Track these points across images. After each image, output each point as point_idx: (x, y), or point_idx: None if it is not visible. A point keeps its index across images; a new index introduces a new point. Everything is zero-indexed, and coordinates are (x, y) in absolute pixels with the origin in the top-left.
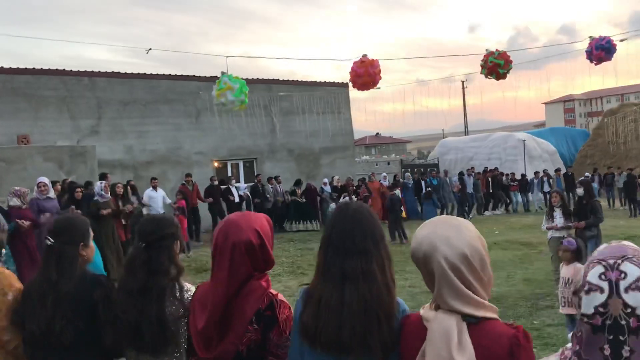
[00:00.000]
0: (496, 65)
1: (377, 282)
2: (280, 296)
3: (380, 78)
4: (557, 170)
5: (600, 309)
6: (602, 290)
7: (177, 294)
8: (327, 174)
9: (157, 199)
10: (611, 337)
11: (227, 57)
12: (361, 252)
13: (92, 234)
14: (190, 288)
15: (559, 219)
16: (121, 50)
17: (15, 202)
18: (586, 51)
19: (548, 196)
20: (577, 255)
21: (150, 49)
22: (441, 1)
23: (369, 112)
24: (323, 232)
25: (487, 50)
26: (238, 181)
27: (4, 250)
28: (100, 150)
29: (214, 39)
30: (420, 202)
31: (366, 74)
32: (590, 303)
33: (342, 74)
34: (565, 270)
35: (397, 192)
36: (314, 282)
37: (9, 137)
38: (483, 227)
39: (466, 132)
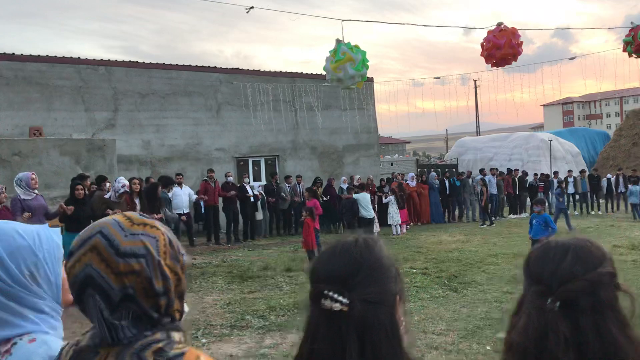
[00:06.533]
0: None
1: None
2: None
3: (522, 51)
4: (582, 171)
5: None
6: None
7: None
8: (351, 173)
9: (181, 197)
10: None
11: (343, 20)
12: None
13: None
14: None
15: None
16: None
17: None
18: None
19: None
20: None
21: (252, 7)
22: (435, 2)
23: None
24: None
25: (632, 23)
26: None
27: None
28: (117, 145)
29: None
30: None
31: (507, 45)
32: None
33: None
34: None
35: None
36: None
37: (21, 129)
38: (523, 231)
39: (477, 132)
